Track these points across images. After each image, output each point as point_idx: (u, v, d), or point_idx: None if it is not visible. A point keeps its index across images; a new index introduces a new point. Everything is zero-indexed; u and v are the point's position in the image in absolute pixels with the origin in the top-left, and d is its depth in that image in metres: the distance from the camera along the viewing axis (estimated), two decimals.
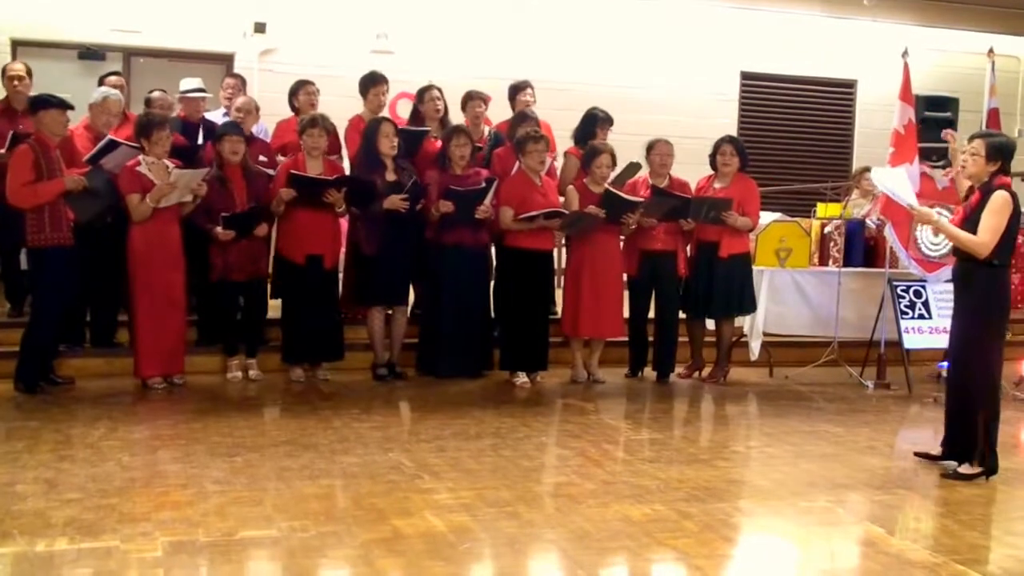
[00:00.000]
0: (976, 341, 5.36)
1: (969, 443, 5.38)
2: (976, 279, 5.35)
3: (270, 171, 7.60)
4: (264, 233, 7.32)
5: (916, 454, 5.68)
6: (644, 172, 8.09)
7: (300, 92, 8.10)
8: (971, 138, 5.46)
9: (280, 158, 7.88)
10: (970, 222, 5.29)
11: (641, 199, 7.66)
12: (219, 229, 7.06)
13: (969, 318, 5.39)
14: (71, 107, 6.87)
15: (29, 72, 7.84)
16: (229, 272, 7.21)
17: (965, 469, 5.36)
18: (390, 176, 7.42)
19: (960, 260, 5.48)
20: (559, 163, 8.28)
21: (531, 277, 7.64)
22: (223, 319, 7.46)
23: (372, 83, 8.10)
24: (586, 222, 7.51)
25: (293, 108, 8.10)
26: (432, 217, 7.47)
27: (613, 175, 7.88)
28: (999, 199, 5.22)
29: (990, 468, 5.34)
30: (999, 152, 5.31)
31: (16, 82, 7.64)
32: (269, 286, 7.66)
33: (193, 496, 4.61)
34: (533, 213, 7.42)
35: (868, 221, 8.81)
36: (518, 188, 7.53)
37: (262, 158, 7.73)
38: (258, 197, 7.26)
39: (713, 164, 7.99)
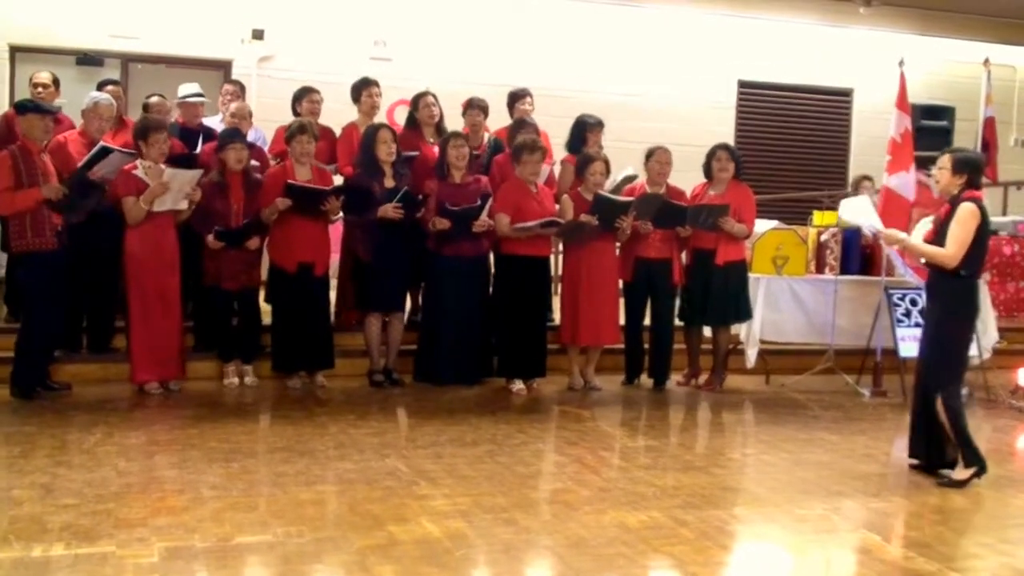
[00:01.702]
0: (943, 349, 5.47)
1: (942, 447, 5.48)
2: (944, 289, 5.48)
3: (258, 175, 7.64)
4: (256, 246, 7.32)
5: (912, 467, 5.69)
6: (641, 179, 8.10)
7: (304, 99, 8.08)
8: (941, 153, 5.62)
9: (272, 163, 7.91)
10: (940, 235, 5.42)
11: (630, 199, 7.66)
12: (210, 238, 7.08)
13: (937, 327, 5.50)
14: (53, 112, 6.89)
15: (56, 82, 7.92)
16: (221, 279, 7.22)
17: (958, 475, 5.39)
18: (388, 182, 7.42)
19: (931, 271, 5.61)
20: (556, 170, 8.28)
21: (528, 284, 7.64)
22: (217, 325, 7.46)
23: (363, 86, 8.13)
24: (582, 230, 7.51)
25: (296, 114, 8.07)
26: (430, 231, 7.48)
27: (609, 183, 7.89)
28: (965, 211, 5.34)
29: (980, 467, 5.39)
30: (964, 165, 5.45)
31: (40, 89, 7.67)
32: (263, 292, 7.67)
33: (189, 502, 4.61)
34: (529, 224, 7.43)
35: (865, 229, 8.81)
36: (514, 195, 7.54)
37: (254, 163, 7.74)
38: (256, 204, 7.27)
39: (707, 171, 8.00)
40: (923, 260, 5.90)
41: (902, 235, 5.72)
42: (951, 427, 5.40)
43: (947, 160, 5.50)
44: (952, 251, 5.33)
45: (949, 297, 5.46)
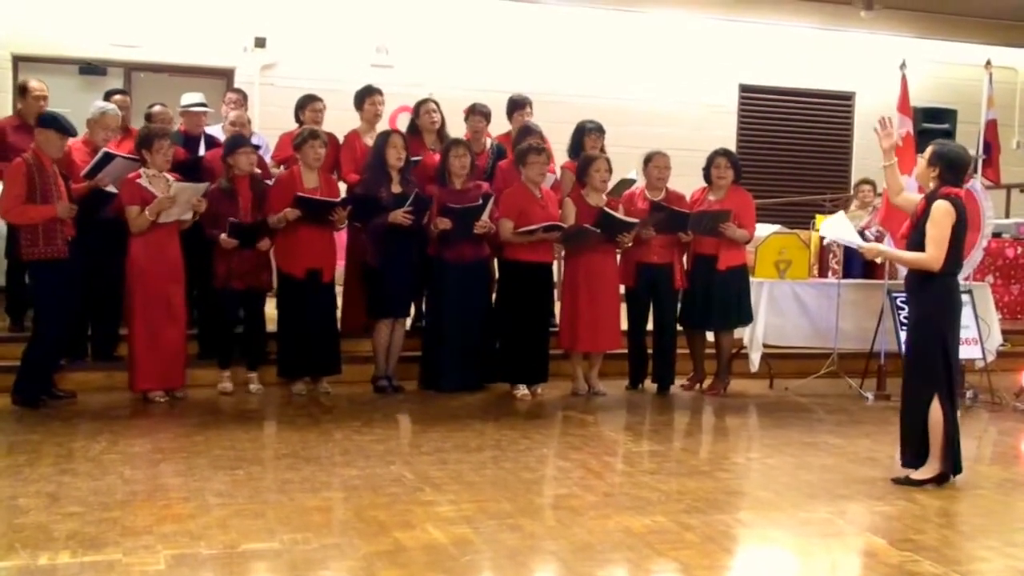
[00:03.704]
0: (922, 350, 5.41)
1: (924, 448, 5.41)
2: (923, 288, 5.41)
3: (268, 182, 7.69)
4: (267, 247, 7.33)
5: (894, 480, 5.53)
6: (640, 184, 8.12)
7: (307, 108, 8.10)
8: (931, 143, 5.58)
9: (274, 170, 7.95)
10: (916, 231, 5.36)
11: (636, 220, 7.67)
12: (224, 236, 7.09)
13: (919, 327, 5.46)
14: (73, 134, 6.92)
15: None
16: (231, 279, 7.23)
17: (918, 474, 5.39)
18: (395, 188, 7.44)
19: (909, 271, 5.54)
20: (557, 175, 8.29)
21: (531, 289, 7.65)
22: (222, 329, 7.47)
23: (367, 94, 8.15)
24: (586, 237, 7.52)
25: (299, 122, 8.10)
26: (431, 233, 7.49)
27: (610, 184, 7.90)
28: (939, 209, 5.26)
29: (947, 472, 5.36)
30: (939, 159, 5.37)
31: (43, 102, 7.70)
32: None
33: (195, 509, 4.62)
34: (532, 227, 7.44)
35: (867, 232, 8.82)
36: (517, 200, 7.55)
37: (257, 170, 7.77)
38: (264, 208, 7.30)
39: (707, 177, 8.01)
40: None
41: (882, 247, 5.72)
42: (943, 433, 5.32)
43: (928, 151, 5.44)
44: (933, 254, 5.24)
45: (927, 296, 5.39)
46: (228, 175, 7.29)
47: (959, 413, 5.54)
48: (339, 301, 8.06)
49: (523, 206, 7.53)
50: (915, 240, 5.36)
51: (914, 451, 5.48)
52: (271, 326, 7.64)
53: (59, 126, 6.73)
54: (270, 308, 7.63)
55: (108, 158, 7.09)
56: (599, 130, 8.14)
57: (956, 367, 5.52)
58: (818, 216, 9.26)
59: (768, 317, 8.28)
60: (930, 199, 5.34)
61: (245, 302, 7.39)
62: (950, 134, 9.46)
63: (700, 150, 8.40)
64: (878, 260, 5.95)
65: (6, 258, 7.61)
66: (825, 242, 8.64)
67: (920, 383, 5.43)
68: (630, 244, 7.72)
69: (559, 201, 7.85)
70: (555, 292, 8.47)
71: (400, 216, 7.30)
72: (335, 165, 8.02)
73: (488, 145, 8.31)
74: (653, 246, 7.83)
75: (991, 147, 10.39)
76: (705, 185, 8.06)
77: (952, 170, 5.38)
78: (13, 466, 5.34)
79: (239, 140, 7.45)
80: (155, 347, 6.98)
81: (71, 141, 7.40)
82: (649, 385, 8.12)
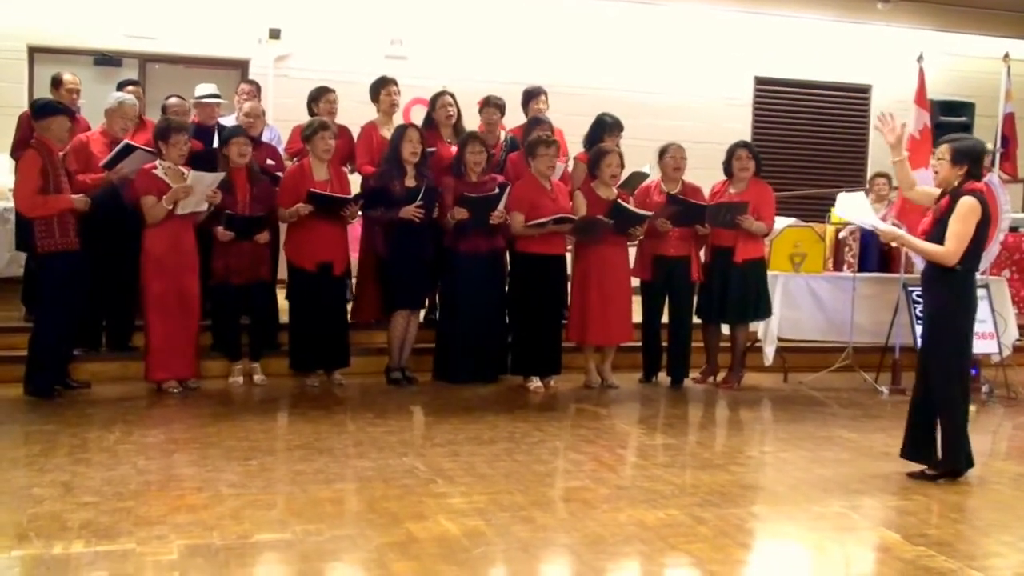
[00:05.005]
0: (939, 345, 5.35)
1: (930, 443, 5.38)
2: (940, 283, 5.34)
3: (279, 174, 7.69)
4: (265, 240, 7.33)
5: (909, 475, 5.48)
6: (656, 177, 8.09)
7: (321, 99, 8.08)
8: (938, 143, 5.46)
9: (288, 163, 7.96)
10: (939, 227, 5.27)
11: (649, 213, 7.64)
12: (220, 228, 7.10)
13: (933, 322, 5.40)
14: (75, 113, 6.97)
15: None
16: (229, 275, 7.24)
17: (932, 470, 5.37)
18: (410, 182, 7.43)
19: (926, 264, 5.49)
20: (570, 167, 8.27)
21: (543, 281, 7.64)
22: (226, 324, 7.49)
23: (382, 84, 8.16)
24: (597, 228, 7.50)
25: (312, 115, 8.09)
26: (447, 224, 7.49)
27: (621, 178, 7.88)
28: (965, 205, 5.19)
29: (952, 470, 5.32)
30: (964, 156, 5.28)
31: (75, 95, 7.73)
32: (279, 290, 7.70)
33: (208, 499, 4.63)
34: (543, 219, 7.43)
35: (862, 226, 8.76)
36: (528, 193, 7.54)
37: (270, 162, 7.79)
38: (260, 199, 7.30)
39: (728, 169, 7.98)
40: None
41: (901, 232, 5.61)
42: (947, 431, 5.30)
43: (946, 150, 5.31)
44: (952, 247, 5.18)
45: (944, 291, 5.33)
46: (224, 167, 7.27)
47: (974, 408, 5.50)
48: (352, 292, 8.08)
49: (533, 199, 7.51)
50: (936, 236, 5.28)
51: (916, 445, 5.45)
52: (282, 317, 7.64)
53: (68, 110, 6.80)
54: (281, 300, 7.64)
55: (128, 149, 7.10)
56: (618, 127, 8.11)
57: (965, 363, 5.46)
58: (833, 210, 9.21)
59: (783, 310, 8.27)
60: (955, 195, 5.26)
61: (247, 295, 7.39)
62: (968, 127, 9.43)
63: (715, 143, 8.38)
64: (894, 244, 5.86)
65: (17, 249, 7.64)
66: (841, 235, 8.60)
67: (934, 379, 5.38)
68: (641, 236, 7.69)
69: (569, 192, 7.83)
70: (567, 284, 8.46)
71: (412, 211, 7.30)
72: (348, 157, 8.03)
73: (502, 138, 8.30)
74: (670, 239, 7.80)
75: (1008, 141, 10.33)
76: (725, 178, 8.02)
77: (978, 164, 5.32)
78: (28, 456, 5.37)
79: (234, 131, 7.46)
80: (170, 338, 7.00)
81: (88, 133, 7.47)
82: (663, 378, 8.11)
